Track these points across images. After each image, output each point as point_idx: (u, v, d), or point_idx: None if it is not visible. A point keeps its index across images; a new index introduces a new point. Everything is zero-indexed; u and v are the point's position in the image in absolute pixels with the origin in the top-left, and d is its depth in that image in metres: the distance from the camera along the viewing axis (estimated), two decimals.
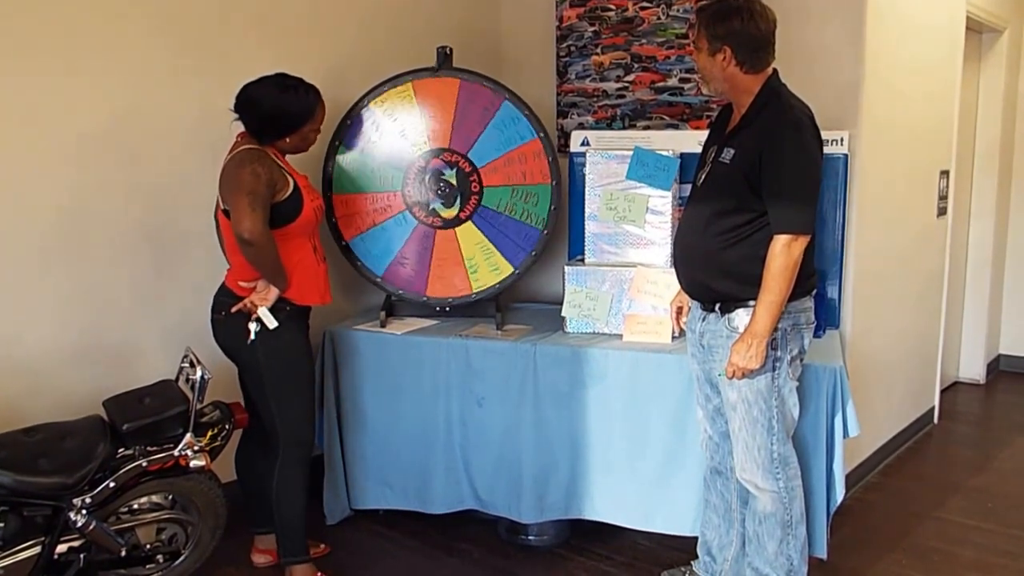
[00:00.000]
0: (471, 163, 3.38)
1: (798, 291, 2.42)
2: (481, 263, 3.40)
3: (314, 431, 2.99)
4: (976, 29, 4.88)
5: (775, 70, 2.48)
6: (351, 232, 3.41)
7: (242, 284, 2.75)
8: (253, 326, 2.72)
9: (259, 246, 2.59)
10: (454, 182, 3.39)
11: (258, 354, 2.75)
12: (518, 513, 3.17)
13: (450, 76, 3.37)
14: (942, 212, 4.55)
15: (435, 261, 3.41)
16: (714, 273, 2.49)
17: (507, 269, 3.39)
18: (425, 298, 3.42)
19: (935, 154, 4.40)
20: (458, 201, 3.39)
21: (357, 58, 3.68)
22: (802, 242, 2.36)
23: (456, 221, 3.40)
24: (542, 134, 3.35)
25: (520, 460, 3.14)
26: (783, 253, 2.34)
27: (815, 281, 2.57)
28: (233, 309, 2.75)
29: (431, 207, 3.40)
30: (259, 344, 2.74)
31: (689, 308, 2.75)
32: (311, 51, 3.49)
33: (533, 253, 3.37)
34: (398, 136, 3.38)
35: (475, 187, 3.38)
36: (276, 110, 2.71)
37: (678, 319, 2.86)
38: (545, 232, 3.36)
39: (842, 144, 3.24)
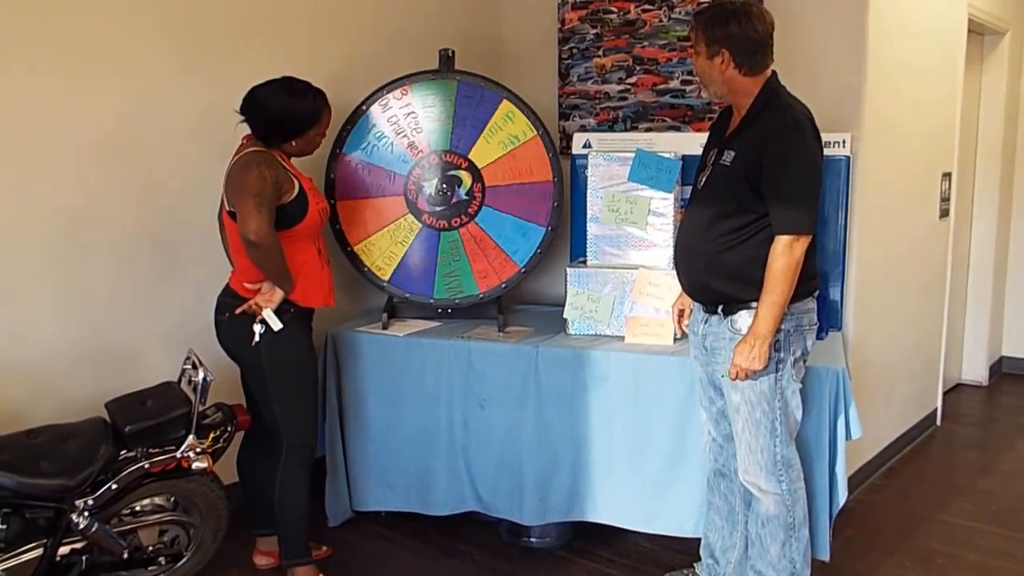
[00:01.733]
0: (478, 174, 3.40)
1: (800, 292, 2.42)
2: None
3: (317, 433, 2.99)
4: (978, 31, 4.88)
5: (774, 72, 2.48)
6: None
7: (247, 286, 2.76)
8: (258, 328, 2.72)
9: (265, 248, 2.59)
10: (459, 184, 3.40)
11: (262, 356, 2.76)
12: (520, 515, 3.17)
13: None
14: (944, 214, 4.55)
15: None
16: (715, 275, 2.49)
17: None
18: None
19: (937, 156, 4.40)
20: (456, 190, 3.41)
21: (360, 61, 3.69)
22: (804, 242, 2.36)
23: (448, 226, 3.41)
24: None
25: (522, 462, 3.14)
26: (785, 253, 2.34)
27: (817, 283, 2.57)
28: (238, 311, 2.75)
29: (433, 203, 3.41)
30: (263, 346, 2.74)
31: (691, 311, 2.74)
32: (314, 54, 3.49)
33: (503, 286, 3.38)
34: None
35: (474, 207, 3.40)
36: (283, 114, 2.71)
37: (679, 321, 2.86)
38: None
39: (844, 146, 3.23)
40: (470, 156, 3.38)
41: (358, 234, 3.42)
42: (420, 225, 3.41)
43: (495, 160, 3.38)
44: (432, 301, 3.43)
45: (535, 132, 3.36)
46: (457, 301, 3.42)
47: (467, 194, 3.40)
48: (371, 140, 3.39)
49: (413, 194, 3.40)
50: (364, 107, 3.38)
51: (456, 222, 3.41)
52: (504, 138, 3.38)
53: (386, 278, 3.42)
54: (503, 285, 3.40)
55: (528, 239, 3.38)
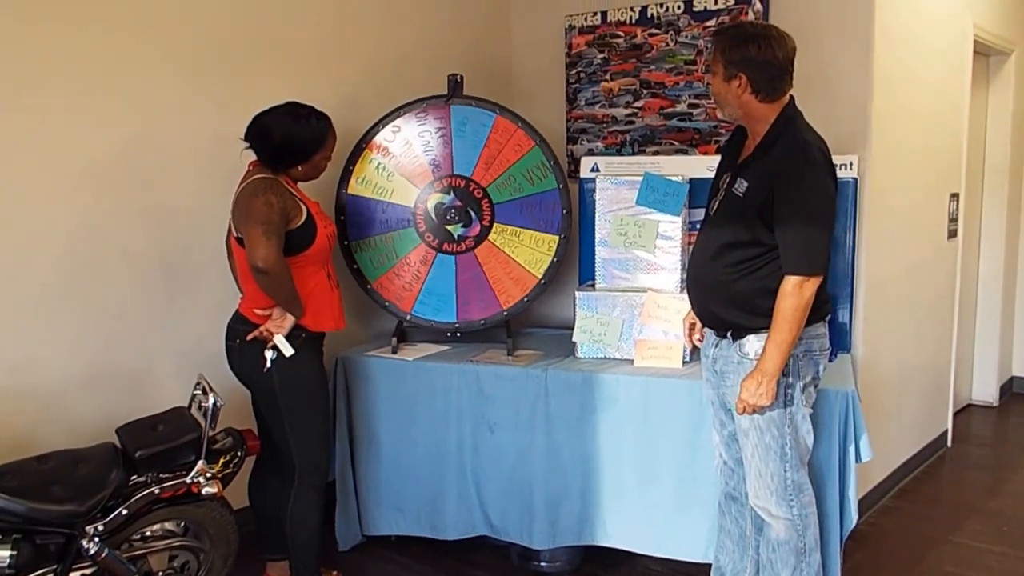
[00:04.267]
0: (461, 176, 3.40)
1: (811, 317, 2.39)
2: (528, 250, 3.40)
3: (329, 457, 2.99)
4: (984, 52, 4.90)
5: (791, 97, 2.43)
6: (406, 306, 3.44)
7: (258, 312, 2.77)
8: (269, 354, 2.73)
9: (274, 275, 2.61)
10: (459, 203, 3.40)
11: (274, 381, 2.76)
12: (530, 539, 3.16)
13: (398, 116, 3.42)
14: (952, 234, 4.55)
15: (491, 278, 3.42)
16: (724, 303, 2.48)
17: (552, 239, 3.38)
18: (505, 312, 3.42)
19: (945, 177, 4.41)
20: (474, 216, 3.40)
21: (369, 86, 3.71)
22: (814, 283, 2.32)
23: (484, 232, 3.41)
24: (496, 110, 3.38)
25: (532, 486, 3.14)
26: (794, 293, 2.31)
27: (829, 307, 2.55)
28: (249, 337, 2.76)
29: (456, 235, 3.41)
30: (275, 371, 2.75)
31: (701, 326, 2.73)
32: (323, 79, 3.52)
33: (564, 211, 3.37)
34: (393, 195, 3.42)
35: (478, 194, 3.40)
36: (289, 140, 2.73)
37: (690, 335, 2.83)
38: (560, 187, 3.37)
39: (851, 168, 3.24)
40: (495, 203, 3.40)
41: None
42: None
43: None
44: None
45: (551, 259, 3.38)
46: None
47: (458, 236, 3.41)
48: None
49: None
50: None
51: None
52: (520, 253, 3.42)
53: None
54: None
55: (440, 306, 3.42)
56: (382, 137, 3.40)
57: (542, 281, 3.39)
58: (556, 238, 3.38)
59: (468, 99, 3.40)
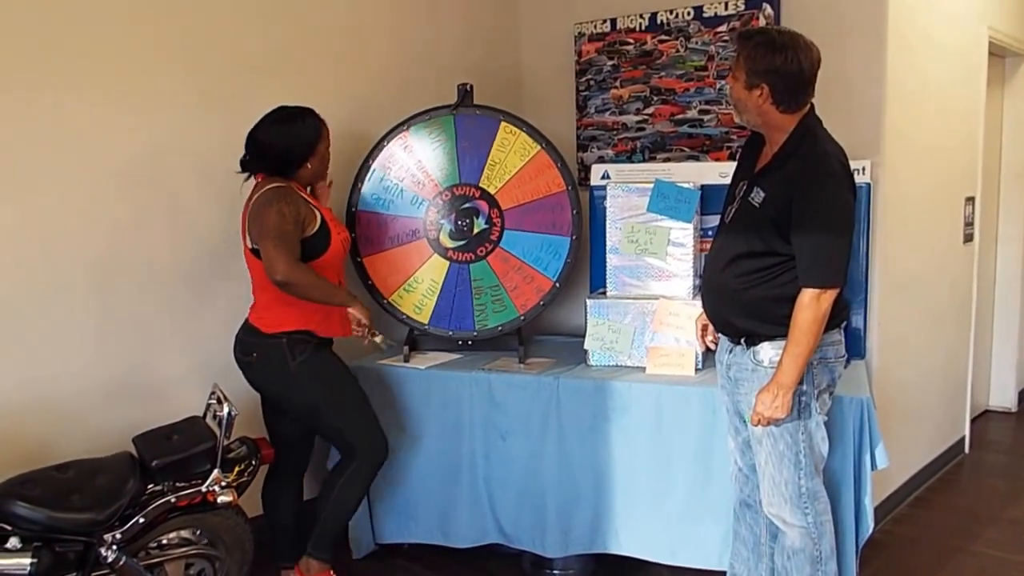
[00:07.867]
0: (427, 208, 3.42)
1: (828, 324, 2.36)
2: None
3: (383, 435, 3.00)
4: (999, 54, 4.87)
5: (812, 106, 2.40)
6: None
7: (354, 329, 2.86)
8: (379, 339, 2.86)
9: (296, 283, 2.63)
10: (454, 214, 3.42)
11: (304, 390, 2.81)
12: (542, 547, 3.16)
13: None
14: (968, 238, 4.52)
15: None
16: (737, 311, 2.47)
17: (525, 137, 3.40)
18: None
19: (960, 180, 4.38)
20: (471, 203, 3.41)
21: (379, 96, 3.73)
22: (831, 295, 2.30)
23: (488, 198, 3.41)
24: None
25: (544, 494, 3.14)
26: (811, 306, 2.29)
27: (846, 314, 2.52)
28: (366, 342, 2.86)
29: (486, 226, 3.42)
30: (299, 379, 2.78)
31: (715, 330, 2.72)
32: (334, 88, 3.54)
33: (541, 303, 3.39)
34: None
35: (447, 197, 3.42)
36: (292, 142, 2.77)
37: (702, 336, 2.82)
38: (557, 285, 3.39)
39: (864, 173, 3.23)
40: (481, 184, 3.40)
41: (391, 285, 3.45)
42: (448, 263, 3.42)
43: (506, 183, 3.40)
44: (476, 333, 3.43)
45: (538, 146, 3.37)
46: (501, 328, 3.42)
47: (486, 222, 3.41)
48: (381, 192, 3.42)
49: (434, 233, 3.42)
50: (371, 160, 3.41)
51: (481, 251, 3.42)
52: (510, 159, 3.40)
53: (426, 322, 3.44)
54: (542, 303, 3.40)
55: (556, 253, 3.39)
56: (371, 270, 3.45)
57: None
58: (529, 138, 3.37)
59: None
